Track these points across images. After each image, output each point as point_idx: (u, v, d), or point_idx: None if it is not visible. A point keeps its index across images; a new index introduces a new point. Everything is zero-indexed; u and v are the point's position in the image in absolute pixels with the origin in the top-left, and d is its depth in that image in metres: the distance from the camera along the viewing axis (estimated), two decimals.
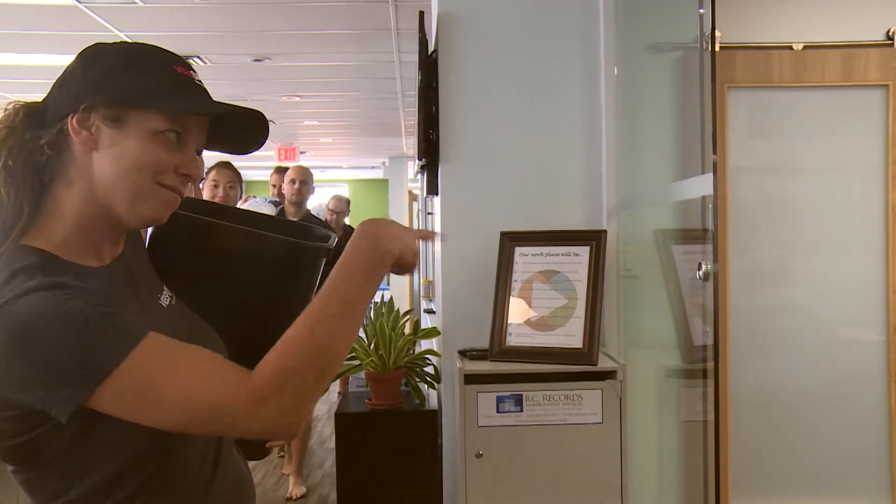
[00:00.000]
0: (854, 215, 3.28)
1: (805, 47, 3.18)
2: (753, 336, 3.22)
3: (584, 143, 2.82)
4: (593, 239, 2.56)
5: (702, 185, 1.95)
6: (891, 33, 3.23)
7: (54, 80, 1.12)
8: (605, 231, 2.59)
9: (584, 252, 2.57)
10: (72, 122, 1.06)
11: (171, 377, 0.99)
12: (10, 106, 1.10)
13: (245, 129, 1.18)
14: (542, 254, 2.61)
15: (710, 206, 1.91)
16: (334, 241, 1.24)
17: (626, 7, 2.76)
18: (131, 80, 1.08)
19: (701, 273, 1.93)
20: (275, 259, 1.17)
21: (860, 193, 3.28)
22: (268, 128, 1.17)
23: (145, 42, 1.14)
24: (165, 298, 1.19)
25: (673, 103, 2.89)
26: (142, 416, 1.00)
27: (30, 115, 1.09)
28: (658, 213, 2.88)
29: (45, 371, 0.96)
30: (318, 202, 8.63)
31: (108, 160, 1.07)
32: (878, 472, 3.29)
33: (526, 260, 2.62)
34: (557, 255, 2.60)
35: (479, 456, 2.39)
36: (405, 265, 1.12)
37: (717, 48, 2.81)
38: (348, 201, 6.59)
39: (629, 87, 2.78)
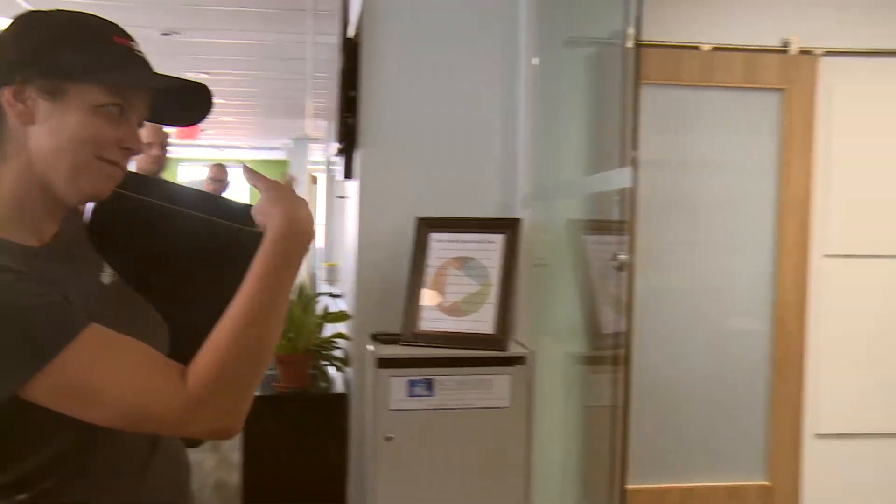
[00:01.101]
0: (749, 212, 3.44)
1: (713, 49, 3.31)
2: (651, 325, 3.34)
3: (501, 133, 2.86)
4: (508, 227, 2.61)
5: (621, 178, 2.02)
6: (786, 41, 3.39)
7: None
8: (519, 219, 2.63)
9: (498, 240, 2.61)
10: (6, 95, 1.02)
11: (107, 375, 0.96)
12: None
13: (189, 101, 1.15)
14: (457, 240, 2.64)
15: (628, 198, 1.97)
16: None
17: (550, 1, 2.81)
18: (68, 52, 1.03)
19: (616, 263, 2.00)
20: (222, 245, 1.16)
21: (755, 191, 3.44)
22: (212, 99, 1.14)
23: (81, 10, 1.10)
24: (107, 277, 1.16)
25: (589, 97, 2.96)
26: (75, 410, 0.97)
27: None
28: (569, 205, 2.95)
29: None
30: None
31: (45, 134, 1.03)
32: (757, 452, 3.48)
33: (441, 246, 2.65)
34: (472, 241, 2.63)
35: (389, 439, 2.41)
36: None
37: (634, 45, 2.89)
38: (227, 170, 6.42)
39: (548, 79, 2.84)
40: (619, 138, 2.17)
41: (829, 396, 3.51)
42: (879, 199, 3.51)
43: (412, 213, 2.67)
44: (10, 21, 1.06)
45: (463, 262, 2.62)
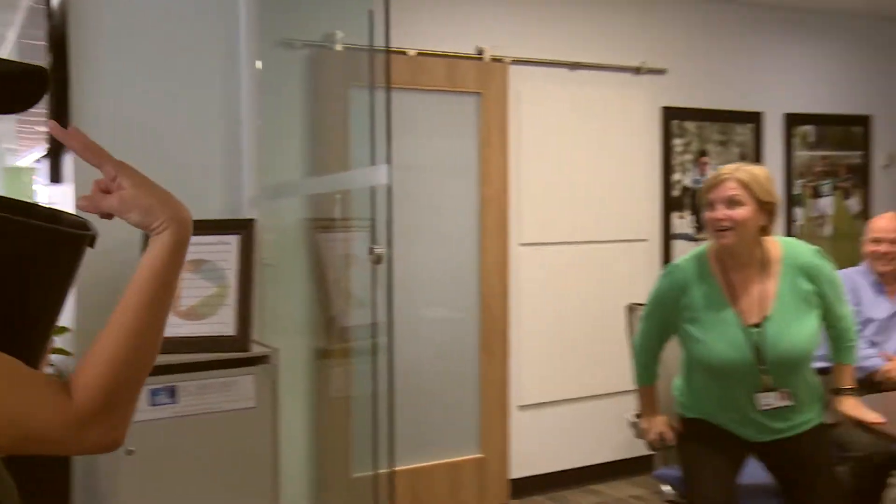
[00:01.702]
0: (457, 207, 3.71)
1: (418, 54, 3.53)
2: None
3: (224, 134, 2.83)
4: (242, 228, 2.60)
5: (378, 175, 2.11)
6: (480, 49, 3.71)
7: None
8: (253, 220, 2.63)
9: (233, 241, 2.59)
10: None
11: None
12: None
13: (16, 85, 1.01)
14: (189, 243, 2.58)
15: (386, 194, 2.07)
16: (94, 230, 1.12)
17: (267, 3, 2.82)
18: None
19: (373, 256, 2.09)
20: (28, 248, 1.04)
21: (461, 188, 3.72)
22: (46, 82, 1.01)
23: None
24: None
25: (308, 100, 3.02)
26: None
27: None
28: (293, 205, 2.99)
29: None
30: None
31: None
32: (472, 428, 3.78)
33: None
34: (206, 244, 2.58)
35: (130, 452, 2.30)
36: None
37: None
38: None
39: (270, 80, 2.86)
40: (369, 138, 2.27)
41: (527, 371, 3.90)
42: (561, 191, 3.95)
43: None
44: None
45: (198, 265, 2.56)
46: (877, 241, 3.29)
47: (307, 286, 2.90)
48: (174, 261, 0.99)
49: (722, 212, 2.33)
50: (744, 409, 2.42)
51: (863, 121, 5.06)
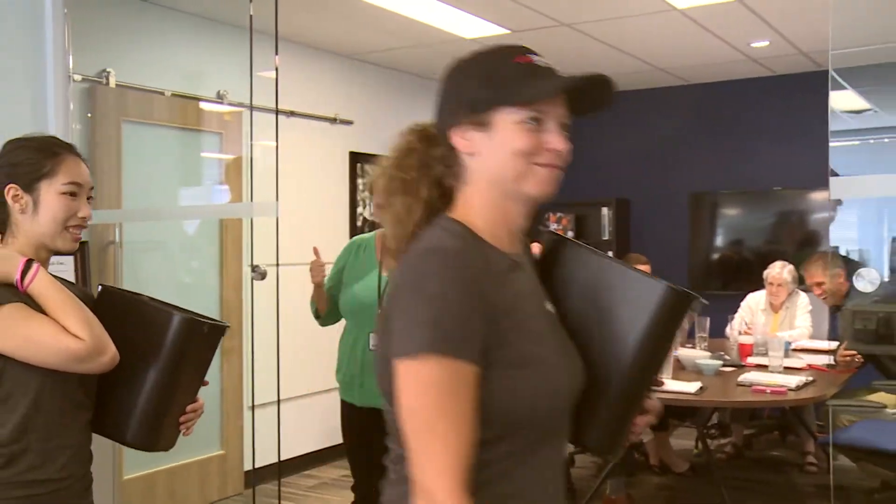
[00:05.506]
0: (199, 231, 4.14)
1: (173, 95, 3.92)
2: None
3: None
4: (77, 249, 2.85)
5: (268, 209, 2.62)
6: (221, 94, 4.21)
7: None
8: (86, 242, 2.90)
9: (68, 262, 2.84)
10: (454, 138, 1.24)
11: None
12: (417, 131, 1.29)
13: (593, 91, 1.26)
14: None
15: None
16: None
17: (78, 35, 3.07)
18: (479, 88, 1.23)
19: (255, 274, 2.60)
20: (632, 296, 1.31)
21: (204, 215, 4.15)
22: (612, 86, 1.24)
23: (485, 46, 1.28)
24: (549, 306, 1.32)
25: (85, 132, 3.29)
26: None
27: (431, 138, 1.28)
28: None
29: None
30: None
31: (487, 158, 1.23)
32: (214, 428, 4.22)
33: None
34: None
35: None
36: None
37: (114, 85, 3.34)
38: None
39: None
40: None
41: (259, 376, 4.42)
42: (292, 220, 4.55)
43: None
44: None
45: None
46: None
47: None
48: None
49: None
50: (361, 358, 2.86)
51: None
